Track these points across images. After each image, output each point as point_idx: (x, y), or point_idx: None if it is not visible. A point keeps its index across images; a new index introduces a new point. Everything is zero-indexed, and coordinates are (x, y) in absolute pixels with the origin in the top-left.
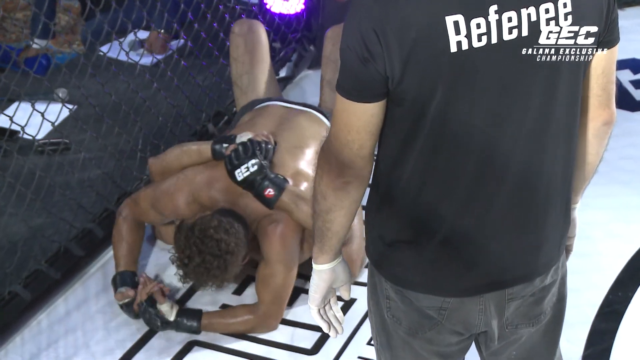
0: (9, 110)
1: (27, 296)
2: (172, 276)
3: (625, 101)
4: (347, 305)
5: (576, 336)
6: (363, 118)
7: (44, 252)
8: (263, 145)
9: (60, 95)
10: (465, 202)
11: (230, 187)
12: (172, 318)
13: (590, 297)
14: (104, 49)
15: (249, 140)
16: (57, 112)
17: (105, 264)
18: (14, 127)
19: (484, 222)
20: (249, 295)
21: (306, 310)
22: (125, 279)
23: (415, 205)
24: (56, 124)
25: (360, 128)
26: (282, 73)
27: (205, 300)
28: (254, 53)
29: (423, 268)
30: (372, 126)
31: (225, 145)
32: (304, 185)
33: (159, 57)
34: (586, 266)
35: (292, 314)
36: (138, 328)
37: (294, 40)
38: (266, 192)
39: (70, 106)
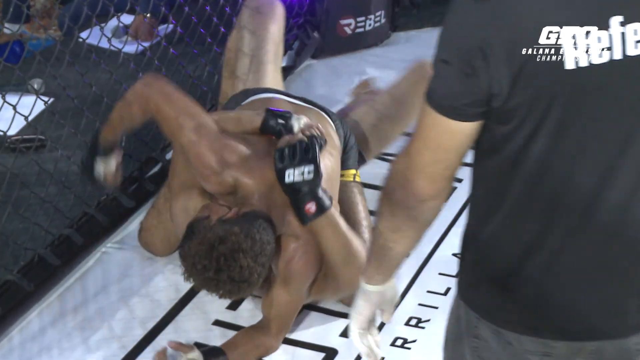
0: None
1: None
2: (158, 290)
3: None
4: None
5: None
6: (456, 138)
7: (15, 261)
8: (322, 143)
9: (34, 86)
10: (564, 235)
11: (268, 179)
12: None
13: None
14: (84, 34)
15: (311, 137)
16: (31, 104)
17: (85, 275)
18: None
19: (578, 265)
20: (245, 310)
21: (308, 330)
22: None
23: (515, 237)
24: (30, 118)
25: (450, 148)
26: (283, 62)
27: (196, 316)
28: (266, 31)
29: (525, 307)
30: (464, 147)
31: (281, 121)
32: None
33: (145, 44)
34: None
35: (295, 334)
36: (121, 346)
37: (295, 26)
38: (307, 207)
39: (46, 98)
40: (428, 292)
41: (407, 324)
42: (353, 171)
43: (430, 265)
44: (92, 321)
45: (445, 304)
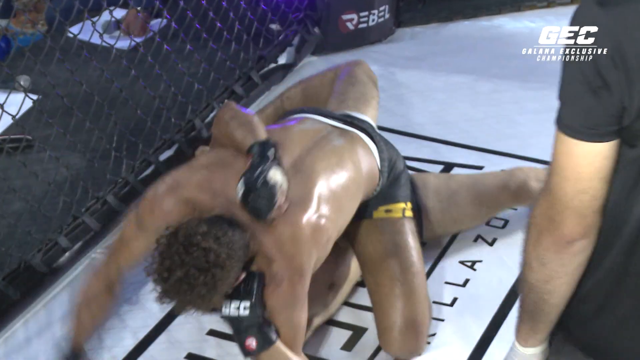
0: None
1: None
2: (149, 298)
3: None
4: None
5: None
6: (595, 162)
7: (1, 268)
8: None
9: (22, 83)
10: None
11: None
12: None
13: None
14: (74, 30)
15: (250, 272)
16: (18, 103)
17: (73, 282)
18: None
19: None
20: None
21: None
22: None
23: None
24: (17, 117)
25: (592, 175)
26: (282, 59)
27: (190, 327)
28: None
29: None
30: (606, 171)
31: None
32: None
33: (138, 39)
34: None
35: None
36: (111, 357)
37: (295, 22)
38: (247, 343)
39: (34, 96)
40: (434, 302)
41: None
42: (402, 205)
43: (435, 274)
44: None
45: (451, 315)
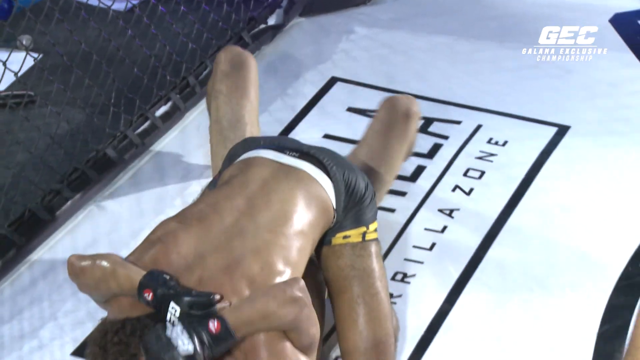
0: None
1: None
2: None
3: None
4: None
5: (591, 311)
6: None
7: (6, 215)
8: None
9: (24, 42)
10: None
11: None
12: None
13: (607, 269)
14: None
15: None
16: (20, 61)
17: (74, 229)
18: None
19: None
20: None
21: None
22: None
23: None
24: (19, 74)
25: None
26: (271, 21)
27: None
28: (243, 90)
29: None
30: None
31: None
32: (277, 279)
33: (134, 1)
34: (603, 236)
35: None
36: None
37: None
38: (212, 327)
39: (35, 55)
40: (414, 247)
41: (392, 279)
42: (362, 229)
43: (415, 221)
44: None
45: (430, 259)
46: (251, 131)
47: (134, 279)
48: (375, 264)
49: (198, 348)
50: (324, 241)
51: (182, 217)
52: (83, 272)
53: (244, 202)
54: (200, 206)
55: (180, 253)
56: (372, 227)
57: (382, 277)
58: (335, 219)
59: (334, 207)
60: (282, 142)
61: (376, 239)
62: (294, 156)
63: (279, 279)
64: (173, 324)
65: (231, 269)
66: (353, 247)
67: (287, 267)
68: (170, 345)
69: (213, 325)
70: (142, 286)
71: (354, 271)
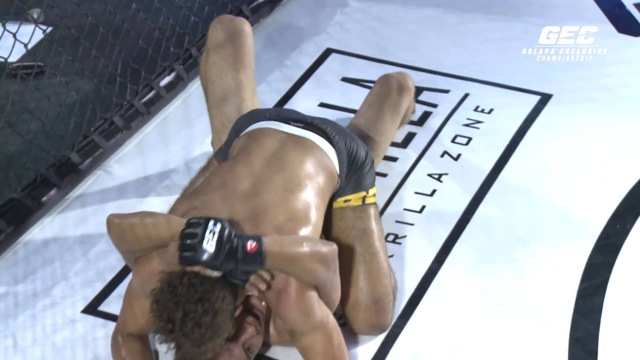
0: None
1: (3, 225)
2: (152, 206)
3: (628, 25)
4: None
5: (572, 269)
6: None
7: (19, 181)
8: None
9: (33, 15)
10: None
11: None
12: None
13: (586, 229)
14: None
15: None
16: (30, 33)
17: (83, 195)
18: None
19: None
20: None
21: None
22: None
23: None
24: (29, 46)
25: None
26: None
27: None
28: (237, 60)
29: None
30: None
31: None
32: (303, 230)
33: None
34: (584, 198)
35: None
36: (118, 258)
37: None
38: (248, 246)
39: (45, 27)
40: (404, 209)
41: (385, 239)
42: (362, 193)
43: (406, 185)
44: (91, 236)
45: (420, 220)
46: (248, 101)
47: (176, 226)
48: (375, 225)
49: (219, 253)
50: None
51: (204, 188)
52: (124, 228)
53: (259, 169)
54: (220, 174)
55: (210, 213)
56: (371, 192)
57: (380, 238)
58: (339, 185)
59: (338, 173)
60: (286, 114)
61: (375, 203)
62: (299, 126)
63: (304, 231)
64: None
65: (258, 218)
66: (354, 209)
67: (309, 223)
68: (200, 241)
69: (251, 244)
70: (188, 225)
71: (355, 231)
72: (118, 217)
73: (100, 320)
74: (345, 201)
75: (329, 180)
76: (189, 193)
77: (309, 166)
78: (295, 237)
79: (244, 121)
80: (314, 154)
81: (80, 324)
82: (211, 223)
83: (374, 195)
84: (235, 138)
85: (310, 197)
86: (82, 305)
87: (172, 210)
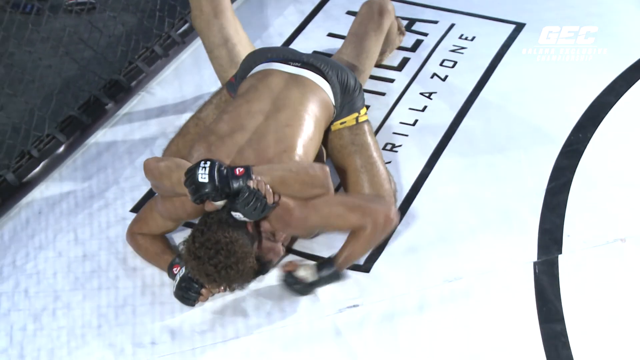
0: None
1: (63, 138)
2: None
3: None
4: None
5: (541, 172)
6: None
7: (76, 100)
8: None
9: None
10: None
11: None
12: (315, 277)
13: (554, 138)
14: None
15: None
16: None
17: (130, 113)
18: None
19: None
20: None
21: None
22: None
23: None
24: None
25: None
26: None
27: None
28: (214, 3)
29: None
30: None
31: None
32: (296, 159)
33: None
34: (551, 111)
35: None
36: None
37: None
38: (237, 171)
39: None
40: (400, 123)
41: (383, 148)
42: (355, 114)
43: (401, 102)
44: (137, 146)
45: (413, 132)
46: (234, 38)
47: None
48: (370, 139)
49: (214, 179)
50: (327, 130)
51: (217, 124)
52: (160, 171)
53: (267, 106)
54: (231, 112)
55: (222, 156)
56: (362, 112)
57: (377, 149)
58: (335, 113)
59: (334, 104)
60: (285, 54)
61: (367, 120)
62: (297, 66)
63: (297, 159)
64: None
65: (260, 155)
66: (350, 129)
67: (303, 152)
68: (194, 175)
69: (239, 170)
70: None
71: (354, 147)
72: (156, 160)
73: None
74: (342, 123)
75: (325, 111)
76: (206, 131)
77: (309, 102)
78: (285, 163)
79: (250, 61)
80: (312, 90)
81: (129, 221)
82: (202, 162)
83: (366, 114)
84: (243, 75)
85: (309, 130)
86: (131, 205)
87: (190, 145)
